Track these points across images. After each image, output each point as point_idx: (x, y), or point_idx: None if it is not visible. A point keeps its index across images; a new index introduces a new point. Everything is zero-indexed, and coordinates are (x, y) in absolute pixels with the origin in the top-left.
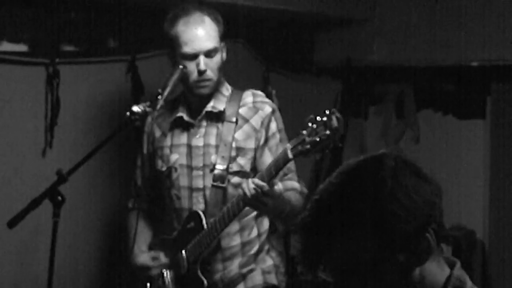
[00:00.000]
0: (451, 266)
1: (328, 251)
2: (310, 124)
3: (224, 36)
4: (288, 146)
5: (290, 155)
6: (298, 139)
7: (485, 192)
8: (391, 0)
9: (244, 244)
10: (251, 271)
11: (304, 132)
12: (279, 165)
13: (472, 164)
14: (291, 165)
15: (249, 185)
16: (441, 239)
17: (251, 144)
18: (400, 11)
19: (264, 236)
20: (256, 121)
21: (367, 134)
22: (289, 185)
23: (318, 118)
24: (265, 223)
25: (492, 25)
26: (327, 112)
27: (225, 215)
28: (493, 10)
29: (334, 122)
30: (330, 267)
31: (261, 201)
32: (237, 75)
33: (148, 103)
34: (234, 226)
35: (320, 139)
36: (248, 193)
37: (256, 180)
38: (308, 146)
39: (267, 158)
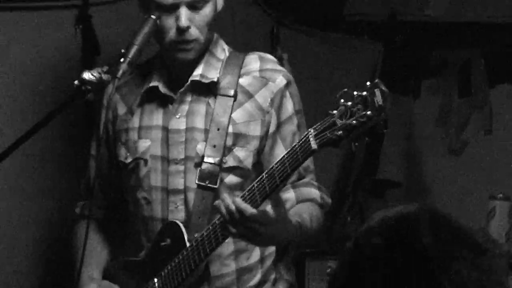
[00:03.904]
0: None
1: None
2: (342, 102)
3: None
4: (311, 132)
5: (314, 145)
6: (325, 122)
7: None
8: None
9: (241, 272)
10: None
11: (335, 112)
12: (297, 160)
13: None
14: (310, 162)
15: (228, 206)
16: None
17: (255, 130)
18: None
19: (269, 262)
20: (264, 97)
21: (417, 119)
22: (305, 194)
23: (355, 92)
24: None
25: None
26: (369, 84)
27: (216, 230)
28: None
29: (379, 98)
30: None
31: (250, 230)
32: (237, 32)
33: (105, 68)
34: (228, 247)
35: (357, 123)
36: (225, 217)
37: (238, 201)
38: (340, 133)
39: (279, 152)
